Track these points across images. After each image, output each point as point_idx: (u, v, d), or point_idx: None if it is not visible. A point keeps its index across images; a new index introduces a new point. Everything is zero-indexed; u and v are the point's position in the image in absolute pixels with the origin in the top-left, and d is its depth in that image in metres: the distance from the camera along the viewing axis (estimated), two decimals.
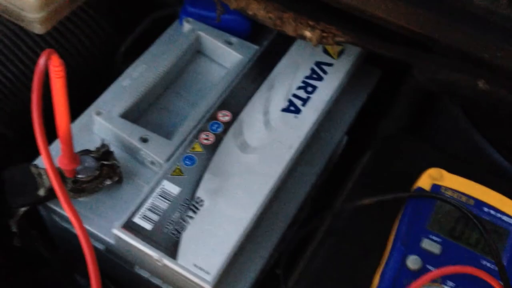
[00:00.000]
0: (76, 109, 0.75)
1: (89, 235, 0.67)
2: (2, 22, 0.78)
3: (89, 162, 0.67)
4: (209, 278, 0.62)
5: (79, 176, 0.66)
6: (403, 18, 0.56)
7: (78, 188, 0.67)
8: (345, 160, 0.81)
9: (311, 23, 0.63)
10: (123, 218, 0.65)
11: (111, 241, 0.67)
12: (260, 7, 0.64)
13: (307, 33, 0.64)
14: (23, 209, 0.67)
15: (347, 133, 0.81)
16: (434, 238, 0.64)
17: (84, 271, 0.80)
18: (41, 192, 0.66)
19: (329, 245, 0.67)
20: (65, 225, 0.71)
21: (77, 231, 0.58)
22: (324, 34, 0.63)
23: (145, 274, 0.70)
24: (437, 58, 0.63)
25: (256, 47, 0.81)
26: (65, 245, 0.79)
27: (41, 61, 0.49)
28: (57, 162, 0.65)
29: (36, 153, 0.72)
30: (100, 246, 0.70)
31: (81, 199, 0.69)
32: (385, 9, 0.56)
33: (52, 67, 0.50)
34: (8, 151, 0.78)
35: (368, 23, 0.61)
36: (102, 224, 0.68)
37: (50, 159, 0.54)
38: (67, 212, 0.57)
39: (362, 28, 0.63)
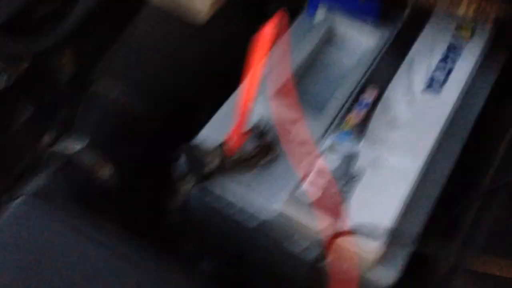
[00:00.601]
0: (218, 94, 0.79)
1: (243, 212, 0.70)
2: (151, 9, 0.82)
3: (250, 139, 0.69)
4: (375, 244, 0.64)
5: (241, 153, 0.69)
6: None
7: (238, 165, 0.69)
8: (479, 139, 0.82)
9: None
10: (286, 193, 0.68)
11: (268, 216, 0.69)
12: None
13: (462, 9, 0.66)
14: (187, 187, 0.70)
15: (481, 112, 0.83)
16: None
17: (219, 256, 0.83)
18: (206, 170, 0.69)
19: (492, 212, 0.68)
20: (218, 206, 0.74)
21: None
22: (480, 8, 0.65)
23: (297, 249, 0.71)
24: None
25: (389, 28, 0.83)
26: (210, 230, 0.81)
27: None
28: (224, 138, 0.68)
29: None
30: (252, 224, 0.72)
31: (238, 176, 0.71)
32: None
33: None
34: (157, 137, 0.82)
35: None
36: (259, 200, 0.70)
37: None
38: None
39: None
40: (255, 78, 0.59)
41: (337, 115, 0.74)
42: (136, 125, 0.81)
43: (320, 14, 0.85)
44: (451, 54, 0.80)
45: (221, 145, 0.69)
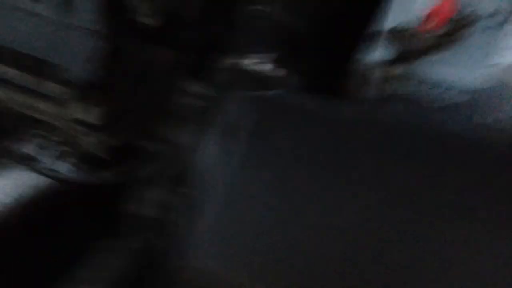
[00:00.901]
0: None
1: (448, 86, 0.70)
2: None
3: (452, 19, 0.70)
4: None
5: (446, 27, 0.69)
6: None
7: (443, 40, 0.70)
8: None
9: None
10: (490, 60, 0.69)
11: (470, 88, 0.69)
12: None
13: None
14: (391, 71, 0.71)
15: None
16: None
17: None
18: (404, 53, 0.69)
19: None
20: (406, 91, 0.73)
21: None
22: None
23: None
24: None
25: None
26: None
27: None
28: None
29: None
30: (442, 103, 0.71)
31: (430, 55, 0.71)
32: None
33: None
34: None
35: None
36: (457, 75, 0.70)
37: None
38: None
39: None
40: None
41: None
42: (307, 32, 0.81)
43: None
44: None
45: (416, 26, 0.69)
